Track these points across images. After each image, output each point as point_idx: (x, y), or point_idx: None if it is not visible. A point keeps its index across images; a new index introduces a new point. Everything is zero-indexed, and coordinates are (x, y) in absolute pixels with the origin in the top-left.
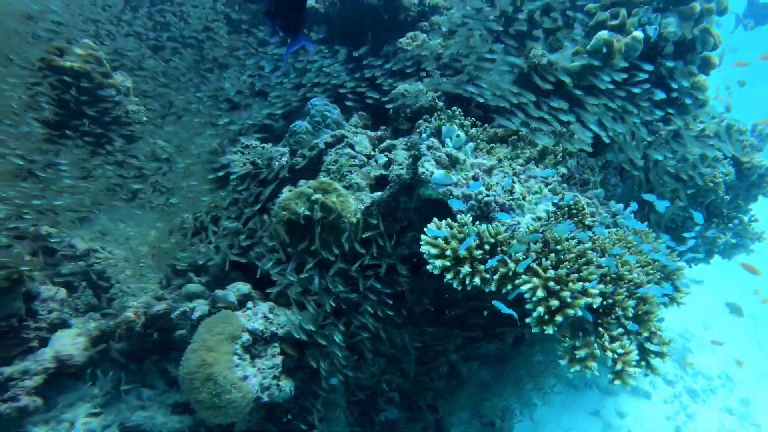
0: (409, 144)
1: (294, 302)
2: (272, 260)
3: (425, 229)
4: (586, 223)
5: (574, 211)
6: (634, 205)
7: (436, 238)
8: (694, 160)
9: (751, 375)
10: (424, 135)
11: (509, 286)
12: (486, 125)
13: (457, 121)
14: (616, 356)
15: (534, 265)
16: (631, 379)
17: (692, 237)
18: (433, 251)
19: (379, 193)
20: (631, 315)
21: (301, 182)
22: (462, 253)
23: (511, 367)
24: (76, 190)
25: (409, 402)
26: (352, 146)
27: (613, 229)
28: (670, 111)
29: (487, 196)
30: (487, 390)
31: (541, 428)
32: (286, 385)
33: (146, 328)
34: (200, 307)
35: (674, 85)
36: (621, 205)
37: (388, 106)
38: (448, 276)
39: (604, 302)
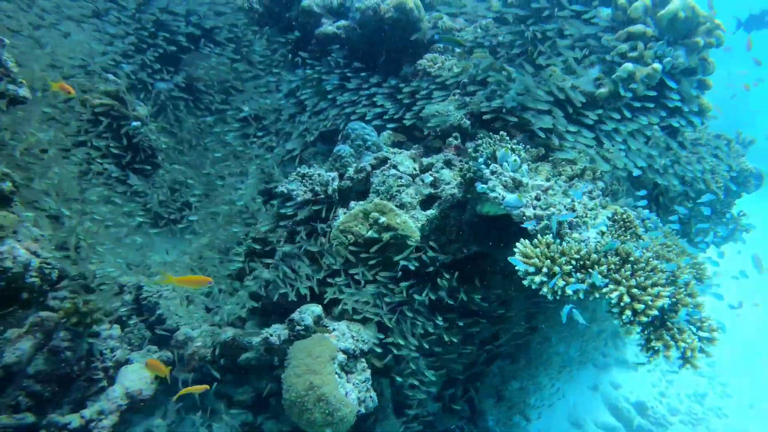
0: (446, 160)
1: (363, 318)
2: (342, 281)
3: (516, 248)
4: (639, 233)
5: (628, 223)
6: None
7: (528, 257)
8: (702, 168)
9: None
10: (480, 159)
11: (597, 295)
12: (527, 146)
13: (508, 144)
14: (686, 345)
15: (615, 275)
16: (698, 362)
17: (704, 227)
18: (531, 269)
19: (431, 211)
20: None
21: (352, 204)
22: (556, 269)
23: (527, 357)
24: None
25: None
26: (395, 167)
27: (652, 234)
28: (681, 125)
29: (557, 214)
30: (508, 376)
31: (554, 407)
32: (374, 395)
33: (215, 356)
34: (280, 331)
35: (685, 108)
36: (646, 211)
37: (421, 125)
38: (544, 289)
39: (670, 300)
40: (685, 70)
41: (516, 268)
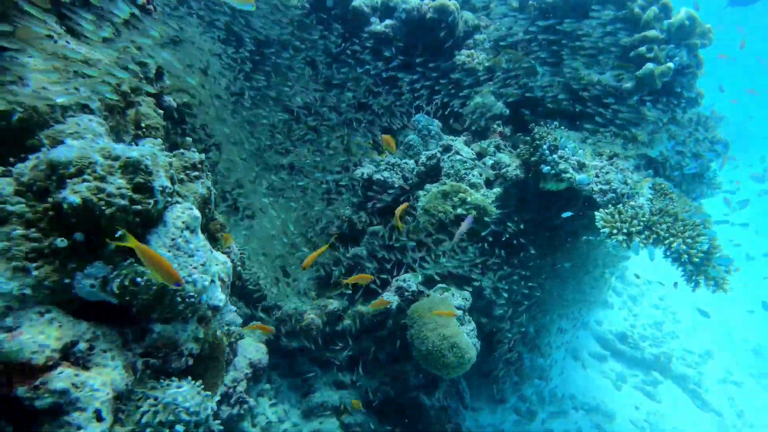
0: (496, 145)
1: (456, 280)
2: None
3: (596, 214)
4: (673, 198)
5: (666, 191)
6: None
7: (607, 222)
8: (695, 141)
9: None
10: (544, 146)
11: (660, 245)
12: (569, 130)
13: (563, 133)
14: (719, 276)
15: (672, 230)
16: (727, 287)
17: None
18: (606, 230)
19: (496, 189)
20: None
21: (428, 186)
22: (633, 229)
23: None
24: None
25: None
26: (458, 152)
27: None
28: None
29: (617, 188)
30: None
31: (553, 346)
32: (478, 342)
33: (325, 326)
34: (391, 298)
35: (687, 94)
36: (660, 179)
37: (466, 114)
38: (620, 243)
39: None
40: (687, 65)
41: (600, 229)
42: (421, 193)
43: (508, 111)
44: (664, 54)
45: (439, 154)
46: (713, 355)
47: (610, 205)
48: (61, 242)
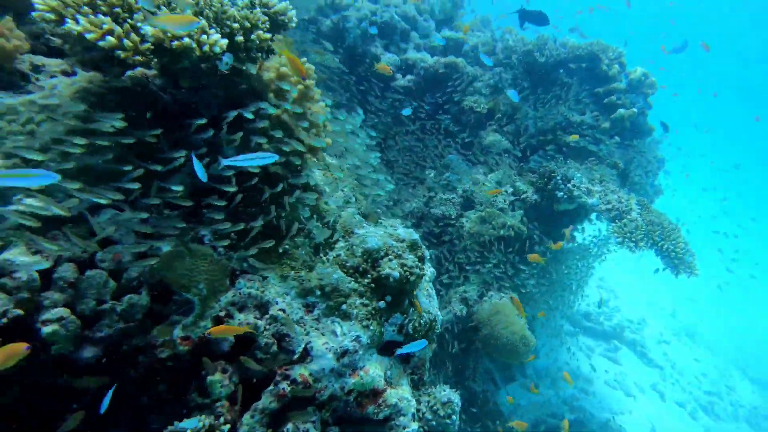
0: (508, 175)
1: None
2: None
3: (611, 227)
4: (651, 210)
5: (647, 206)
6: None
7: (619, 233)
8: (647, 160)
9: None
10: (558, 177)
11: (655, 247)
12: (568, 161)
13: (571, 165)
14: (693, 263)
15: (664, 237)
16: (697, 271)
17: None
18: (620, 239)
19: (518, 212)
20: None
21: (467, 213)
22: (637, 237)
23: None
24: None
25: None
26: (484, 183)
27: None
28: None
29: (617, 206)
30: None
31: (541, 330)
32: None
33: None
34: (458, 307)
35: (642, 128)
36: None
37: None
38: (626, 247)
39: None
40: (642, 108)
41: (615, 238)
42: (463, 220)
43: (511, 146)
44: (629, 101)
45: (471, 187)
46: (647, 322)
47: (616, 220)
48: (382, 304)
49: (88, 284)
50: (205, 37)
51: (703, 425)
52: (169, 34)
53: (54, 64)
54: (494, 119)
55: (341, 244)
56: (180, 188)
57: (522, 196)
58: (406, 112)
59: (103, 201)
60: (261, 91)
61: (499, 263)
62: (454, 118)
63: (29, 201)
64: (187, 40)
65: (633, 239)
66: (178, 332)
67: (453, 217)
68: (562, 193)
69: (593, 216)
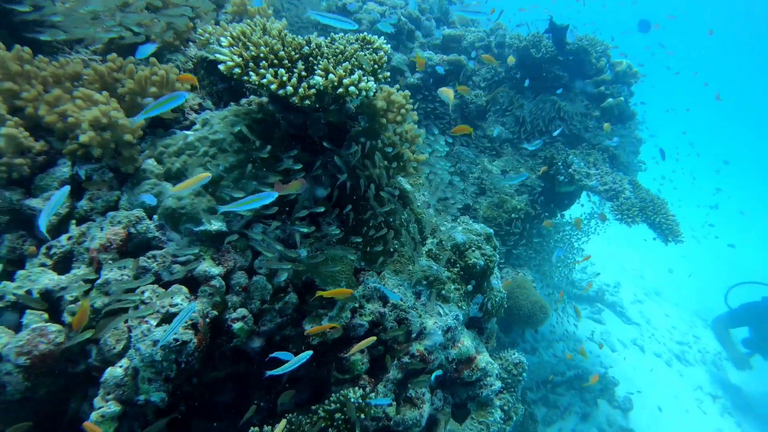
0: (509, 162)
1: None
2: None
3: (608, 205)
4: (640, 187)
5: (636, 184)
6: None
7: (616, 211)
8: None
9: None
10: (559, 163)
11: (648, 221)
12: (567, 148)
13: (570, 152)
14: (679, 233)
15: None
16: (683, 239)
17: None
18: (619, 216)
19: (525, 196)
20: None
21: (479, 200)
22: (634, 213)
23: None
24: None
25: None
26: (491, 172)
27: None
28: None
29: (613, 186)
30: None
31: None
32: None
33: None
34: None
35: (627, 113)
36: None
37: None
38: (625, 222)
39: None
40: (627, 96)
41: (614, 216)
42: (477, 206)
43: (511, 135)
44: (616, 91)
45: (483, 176)
46: (622, 285)
47: (613, 199)
48: (470, 288)
49: (255, 287)
50: (363, 84)
51: (677, 371)
52: (335, 83)
53: (190, 97)
54: (493, 111)
55: (430, 240)
56: (323, 198)
57: (526, 181)
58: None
59: (247, 215)
60: (360, 114)
61: (515, 244)
62: (458, 111)
63: (215, 222)
64: (353, 88)
65: (630, 215)
66: (326, 322)
67: (470, 205)
68: (563, 177)
69: (584, 194)
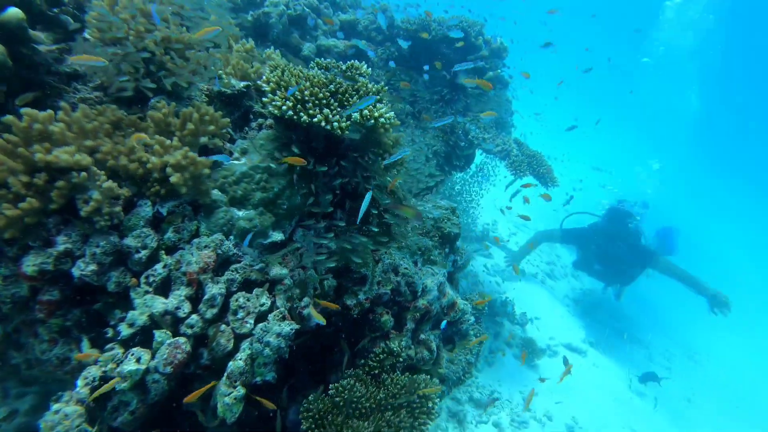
0: (414, 132)
1: None
2: None
3: (504, 164)
4: (521, 144)
5: (520, 143)
6: None
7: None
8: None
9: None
10: (459, 131)
11: (534, 174)
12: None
13: (475, 124)
14: (555, 179)
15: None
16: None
17: None
18: (514, 172)
19: (433, 161)
20: None
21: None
22: (524, 167)
23: None
24: None
25: None
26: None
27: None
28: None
29: (504, 147)
30: None
31: None
32: None
33: None
34: None
35: (502, 82)
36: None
37: None
38: (519, 176)
39: None
40: (502, 67)
41: (511, 173)
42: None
43: (411, 108)
44: (494, 64)
45: None
46: (498, 222)
47: (505, 158)
48: (448, 250)
49: (310, 279)
50: (387, 114)
51: (549, 286)
52: (368, 116)
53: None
54: (391, 89)
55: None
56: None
57: (433, 149)
58: None
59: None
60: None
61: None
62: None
63: (277, 234)
64: (383, 119)
65: (521, 169)
66: (362, 296)
67: None
68: (464, 143)
69: (478, 152)
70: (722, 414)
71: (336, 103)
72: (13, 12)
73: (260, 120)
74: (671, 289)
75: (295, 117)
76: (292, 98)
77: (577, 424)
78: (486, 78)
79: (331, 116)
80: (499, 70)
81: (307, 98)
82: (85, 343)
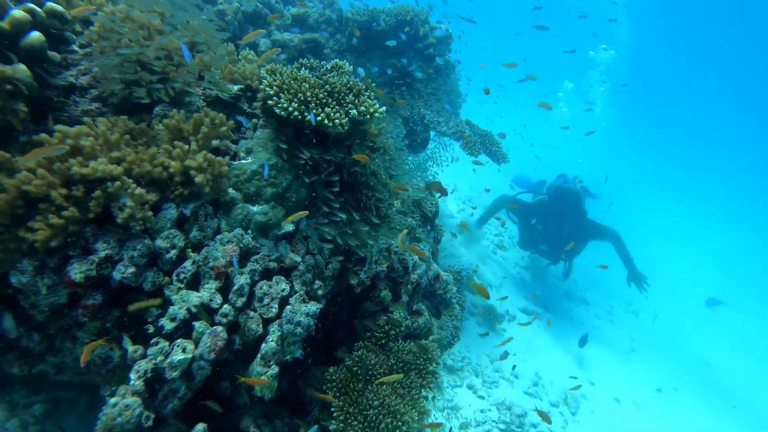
0: None
1: None
2: None
3: (459, 145)
4: (472, 125)
5: (471, 124)
6: None
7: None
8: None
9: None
10: (416, 117)
11: (484, 151)
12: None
13: (418, 105)
14: (500, 152)
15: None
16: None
17: None
18: (468, 150)
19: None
20: None
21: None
22: (476, 147)
23: None
24: None
25: None
26: None
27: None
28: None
29: (458, 129)
30: None
31: None
32: None
33: None
34: None
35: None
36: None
37: None
38: (473, 155)
39: None
40: (449, 53)
41: (464, 150)
42: None
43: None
44: (441, 51)
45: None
46: (446, 199)
47: (459, 139)
48: (429, 228)
49: (316, 264)
50: (380, 109)
51: (501, 256)
52: (365, 113)
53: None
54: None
55: (395, 201)
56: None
57: (397, 131)
58: None
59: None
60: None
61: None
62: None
63: (289, 225)
64: (377, 114)
65: (476, 149)
66: (363, 275)
67: None
68: (420, 128)
69: (432, 134)
70: (664, 358)
71: (334, 102)
72: (36, 36)
73: (254, 120)
74: (605, 253)
75: (300, 117)
76: (297, 100)
77: (541, 379)
78: (434, 64)
79: (332, 114)
80: (447, 56)
81: (309, 99)
82: (126, 341)
